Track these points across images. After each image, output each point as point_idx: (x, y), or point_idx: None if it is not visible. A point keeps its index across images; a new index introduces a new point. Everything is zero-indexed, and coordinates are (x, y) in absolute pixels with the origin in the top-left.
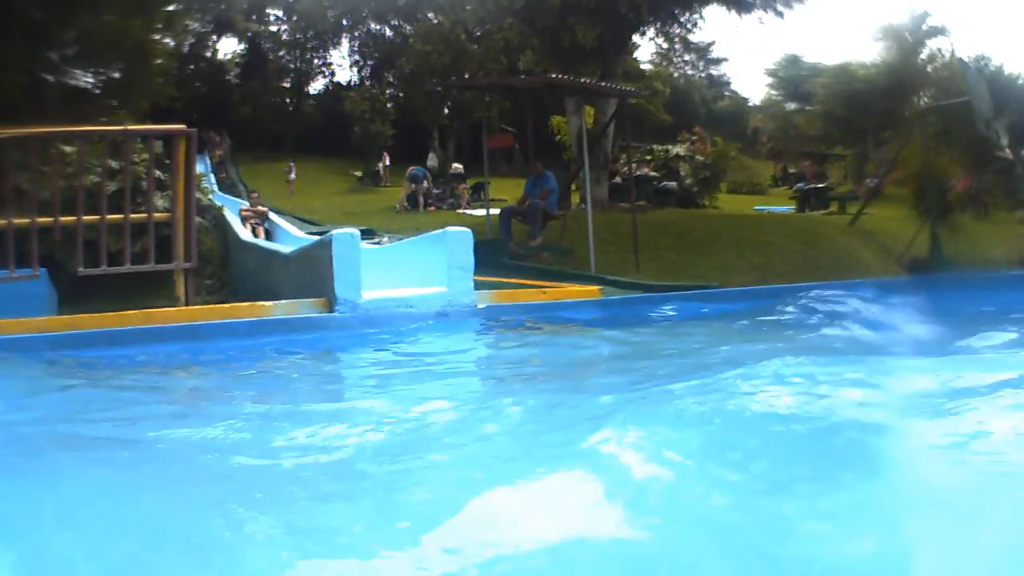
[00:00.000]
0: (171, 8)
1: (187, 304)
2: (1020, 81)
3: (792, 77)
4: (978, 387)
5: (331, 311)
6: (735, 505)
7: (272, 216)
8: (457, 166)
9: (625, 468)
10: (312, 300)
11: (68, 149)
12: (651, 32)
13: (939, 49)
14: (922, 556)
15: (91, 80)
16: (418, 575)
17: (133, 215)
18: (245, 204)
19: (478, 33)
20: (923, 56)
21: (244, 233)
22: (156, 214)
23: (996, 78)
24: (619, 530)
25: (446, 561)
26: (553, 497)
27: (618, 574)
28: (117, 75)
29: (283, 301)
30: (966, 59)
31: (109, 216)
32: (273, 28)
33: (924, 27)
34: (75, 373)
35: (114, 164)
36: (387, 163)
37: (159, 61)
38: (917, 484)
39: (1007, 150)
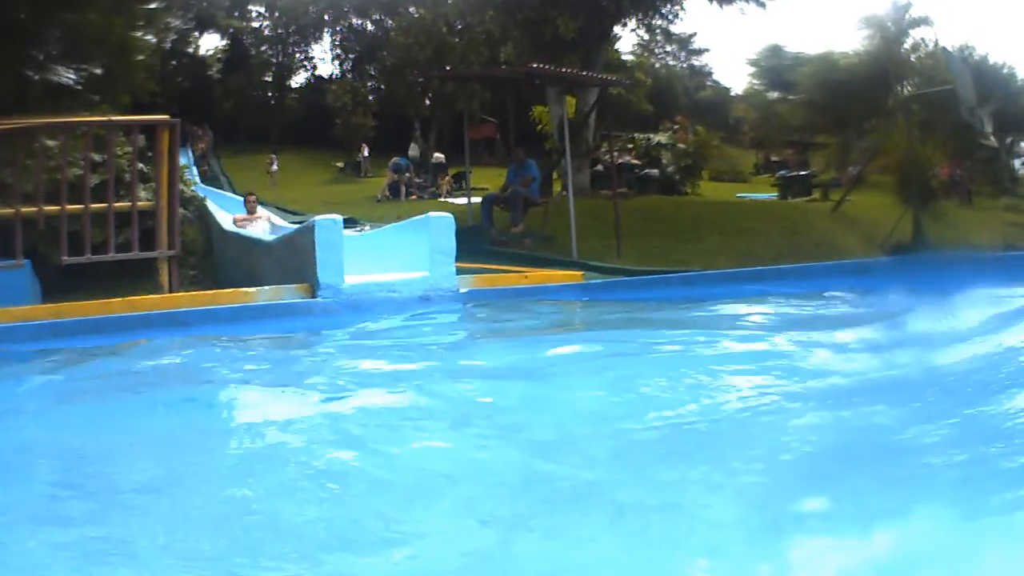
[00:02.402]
0: (153, 6)
1: (171, 292)
2: (1005, 70)
3: (774, 67)
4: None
5: (314, 296)
6: None
7: (275, 219)
8: (439, 156)
9: None
10: (295, 286)
11: (51, 143)
12: (632, 23)
13: (923, 39)
14: None
15: (73, 76)
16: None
17: (117, 204)
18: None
19: (459, 26)
20: (906, 46)
21: (227, 223)
22: (140, 203)
23: (980, 67)
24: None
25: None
26: None
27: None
28: (99, 71)
29: (266, 287)
30: (950, 48)
31: (93, 206)
32: (255, 24)
33: (907, 17)
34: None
35: (97, 157)
36: (366, 154)
37: (141, 57)
38: None
39: (991, 138)
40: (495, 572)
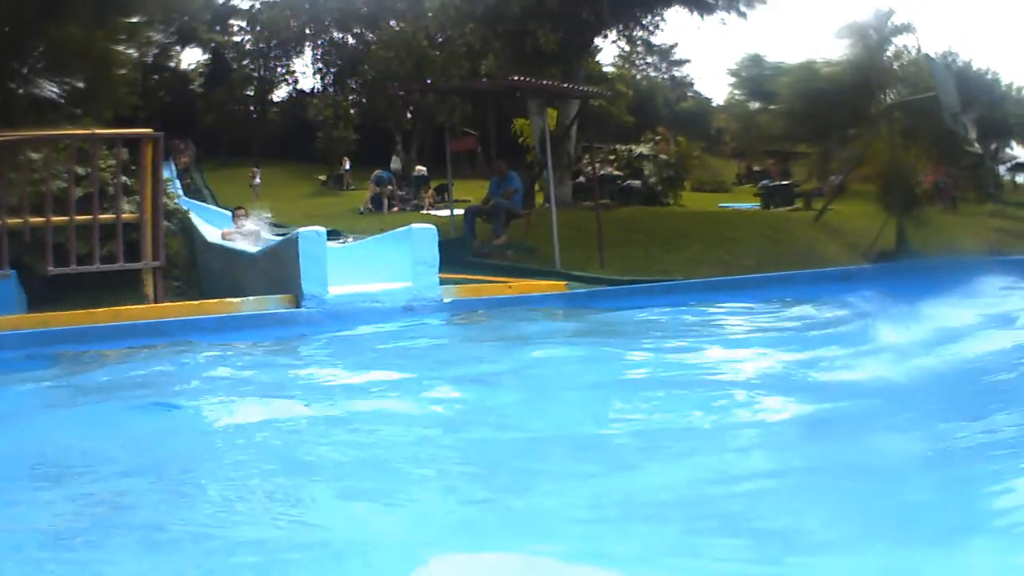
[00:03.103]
0: (134, 20)
1: (156, 302)
2: (988, 75)
3: (755, 76)
4: None
5: (298, 307)
6: None
7: (266, 234)
8: (421, 169)
9: None
10: (279, 296)
11: (35, 156)
12: (613, 35)
13: (905, 46)
14: None
15: (56, 90)
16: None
17: (102, 216)
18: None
19: (440, 39)
20: (889, 53)
21: (210, 235)
22: (124, 215)
23: (964, 73)
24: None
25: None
26: None
27: None
28: (81, 85)
29: (251, 298)
30: (933, 55)
31: (78, 217)
32: (237, 38)
33: (890, 24)
34: None
35: (81, 170)
36: (347, 167)
37: (122, 71)
38: None
39: (975, 144)
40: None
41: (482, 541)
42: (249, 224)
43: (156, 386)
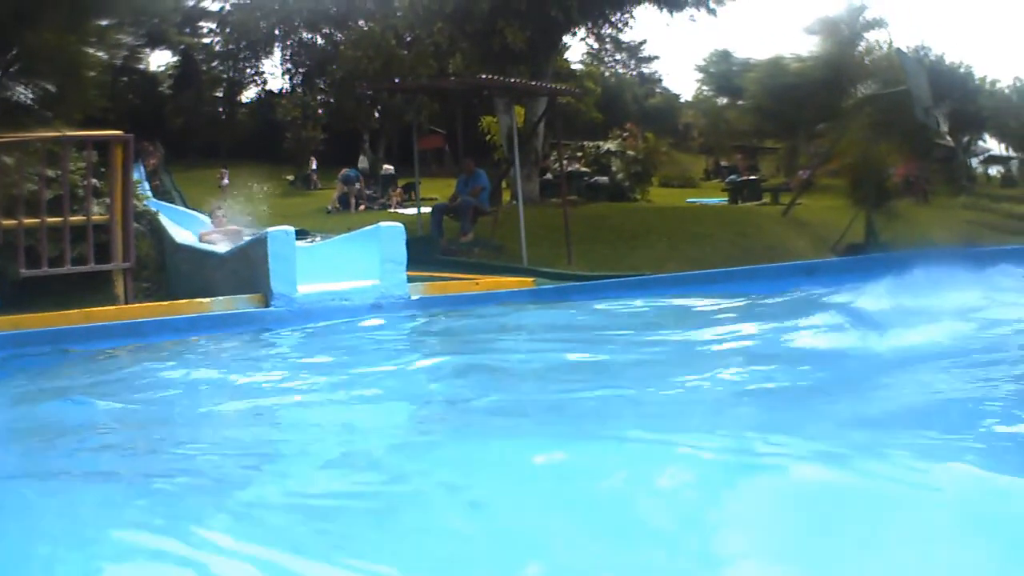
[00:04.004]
0: (104, 23)
1: (127, 303)
2: (961, 69)
3: (723, 72)
4: None
5: (267, 306)
6: None
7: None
8: (388, 168)
9: None
10: (248, 296)
11: (8, 160)
12: (582, 32)
13: (877, 41)
14: None
15: (27, 94)
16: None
17: (72, 218)
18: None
19: (408, 38)
20: (861, 48)
21: (180, 236)
22: (95, 217)
23: (936, 67)
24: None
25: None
26: None
27: None
28: (53, 88)
29: (221, 298)
30: (904, 49)
31: (49, 219)
32: (206, 40)
33: (862, 19)
34: None
35: (51, 173)
36: (314, 167)
37: (92, 74)
38: None
39: (947, 137)
40: None
41: None
42: (229, 224)
43: (126, 383)
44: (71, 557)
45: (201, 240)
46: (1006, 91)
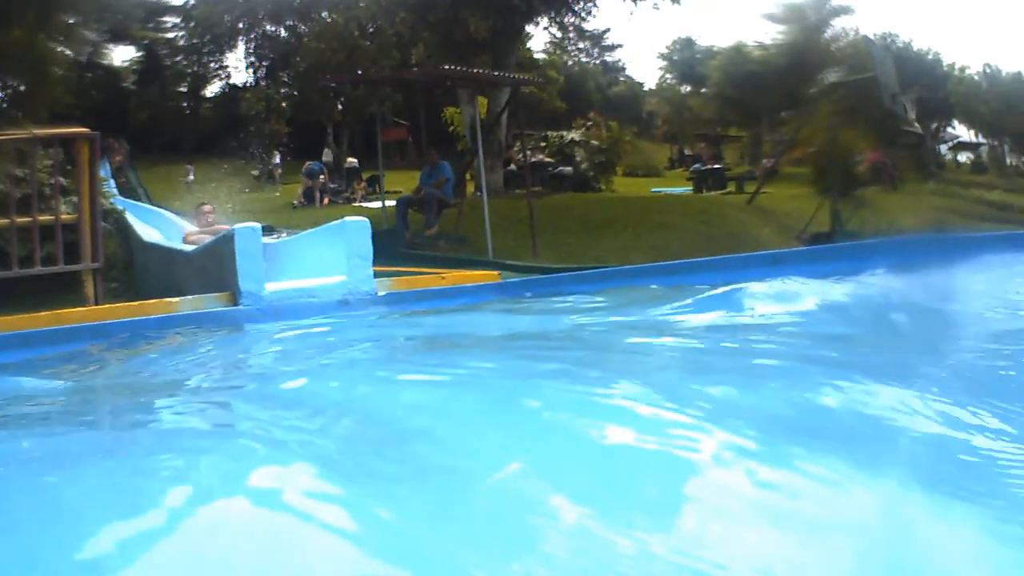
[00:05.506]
0: (71, 20)
1: (96, 304)
2: (929, 56)
3: (686, 60)
4: None
5: (236, 304)
6: None
7: None
8: (352, 160)
9: None
10: (217, 295)
11: None
12: (544, 21)
13: (844, 28)
14: None
15: None
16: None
17: (41, 217)
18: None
19: (371, 29)
20: (827, 35)
21: (146, 234)
22: (63, 216)
23: (904, 54)
24: None
25: None
26: None
27: None
28: (22, 87)
29: (189, 297)
30: (871, 36)
31: (19, 219)
32: (170, 35)
33: (828, 6)
34: None
35: (19, 172)
36: (276, 161)
37: (59, 72)
38: None
39: (915, 124)
40: None
41: None
42: (219, 223)
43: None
44: None
45: (186, 241)
46: (975, 77)
